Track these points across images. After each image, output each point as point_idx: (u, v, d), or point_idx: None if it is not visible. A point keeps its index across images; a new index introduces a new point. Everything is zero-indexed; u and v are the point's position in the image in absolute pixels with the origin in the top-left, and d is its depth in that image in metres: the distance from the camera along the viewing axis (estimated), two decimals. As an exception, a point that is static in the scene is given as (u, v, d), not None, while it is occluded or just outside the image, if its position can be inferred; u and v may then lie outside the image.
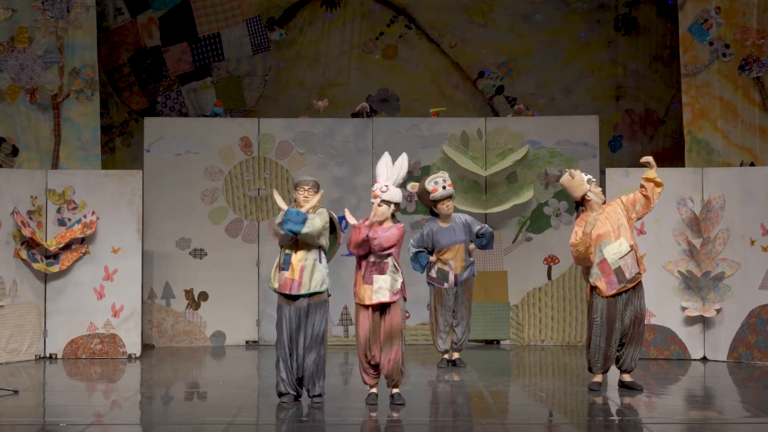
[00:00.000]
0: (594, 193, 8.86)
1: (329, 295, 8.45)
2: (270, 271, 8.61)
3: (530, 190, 12.35)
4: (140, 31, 13.91)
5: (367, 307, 8.16)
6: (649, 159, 8.90)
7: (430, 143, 12.55)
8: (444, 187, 10.25)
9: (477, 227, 10.45)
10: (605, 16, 13.99)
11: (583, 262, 8.82)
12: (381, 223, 8.18)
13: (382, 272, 8.12)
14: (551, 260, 12.40)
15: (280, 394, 8.34)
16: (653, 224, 11.05)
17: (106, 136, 13.59)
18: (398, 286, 8.15)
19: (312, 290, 8.30)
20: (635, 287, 8.85)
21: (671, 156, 13.57)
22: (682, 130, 12.30)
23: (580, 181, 8.88)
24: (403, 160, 8.29)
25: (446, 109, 13.10)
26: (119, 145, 13.98)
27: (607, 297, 8.79)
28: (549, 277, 12.44)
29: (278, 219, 8.34)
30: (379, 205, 8.15)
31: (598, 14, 14.00)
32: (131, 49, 13.95)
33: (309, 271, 8.28)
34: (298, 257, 8.29)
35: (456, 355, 10.58)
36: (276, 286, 8.37)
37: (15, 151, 12.18)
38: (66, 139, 12.20)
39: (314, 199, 8.36)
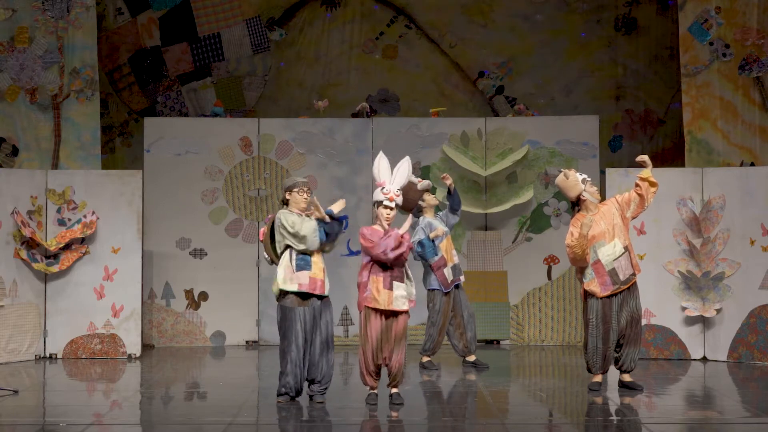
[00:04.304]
0: (589, 193, 8.84)
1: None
2: (271, 272, 8.61)
3: (530, 190, 12.35)
4: (140, 31, 13.91)
5: (379, 311, 8.17)
6: (645, 158, 8.89)
7: (430, 143, 12.55)
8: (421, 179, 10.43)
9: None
10: (605, 16, 13.99)
11: (579, 263, 8.82)
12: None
13: (402, 279, 8.18)
14: (551, 260, 12.40)
15: (279, 394, 8.34)
16: (653, 224, 11.06)
17: (106, 136, 13.60)
18: (413, 292, 8.24)
19: (328, 292, 8.41)
20: (630, 288, 8.83)
21: (671, 156, 13.57)
22: (682, 130, 12.29)
23: (574, 181, 8.86)
24: (409, 164, 8.36)
25: (446, 109, 13.11)
26: (119, 145, 13.98)
27: (601, 298, 8.79)
28: (549, 277, 12.44)
29: (310, 230, 8.27)
30: (393, 209, 8.24)
31: (598, 14, 14.00)
32: (131, 49, 13.95)
33: (326, 273, 8.38)
34: (317, 258, 8.34)
35: (473, 357, 10.55)
36: (295, 287, 8.29)
37: (15, 151, 12.18)
38: (66, 139, 12.20)
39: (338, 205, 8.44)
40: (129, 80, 13.97)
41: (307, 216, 8.39)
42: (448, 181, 10.41)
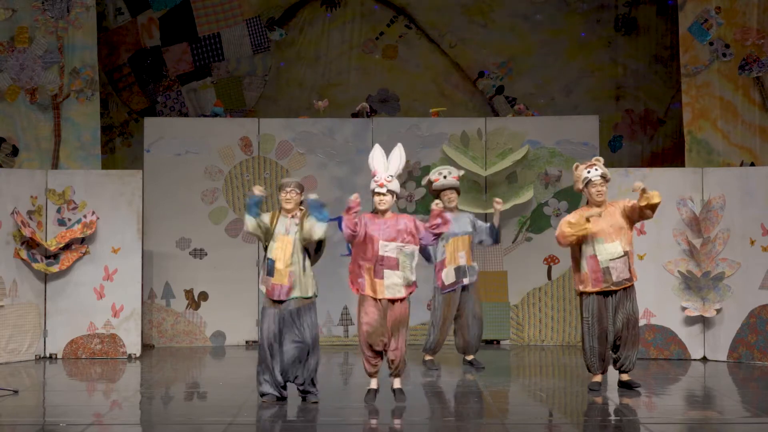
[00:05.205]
0: (588, 194, 8.86)
1: (316, 296, 8.48)
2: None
3: (530, 190, 12.35)
4: (140, 31, 13.91)
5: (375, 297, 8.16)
6: (640, 185, 8.68)
7: (430, 143, 12.55)
8: (445, 177, 10.30)
9: (479, 223, 10.51)
10: (605, 16, 14.00)
11: (563, 240, 8.74)
12: (384, 212, 8.24)
13: (395, 267, 8.11)
14: (551, 260, 12.40)
15: (262, 394, 8.37)
16: (653, 224, 11.04)
17: (106, 136, 13.60)
18: (413, 279, 8.19)
19: (301, 295, 8.34)
20: (626, 290, 8.81)
21: (671, 156, 13.57)
22: (682, 130, 12.30)
23: (576, 177, 8.95)
24: (401, 151, 8.35)
25: (446, 109, 13.11)
26: (119, 145, 13.98)
27: (596, 295, 8.76)
28: (549, 277, 12.44)
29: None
30: (384, 195, 8.20)
31: (598, 14, 14.00)
32: (131, 49, 13.95)
33: (298, 276, 8.32)
34: (284, 263, 8.31)
35: (471, 356, 10.55)
36: (264, 290, 8.44)
37: (15, 151, 12.18)
38: (66, 139, 12.20)
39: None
40: (129, 80, 13.97)
41: (292, 217, 8.42)
42: (499, 206, 10.33)
